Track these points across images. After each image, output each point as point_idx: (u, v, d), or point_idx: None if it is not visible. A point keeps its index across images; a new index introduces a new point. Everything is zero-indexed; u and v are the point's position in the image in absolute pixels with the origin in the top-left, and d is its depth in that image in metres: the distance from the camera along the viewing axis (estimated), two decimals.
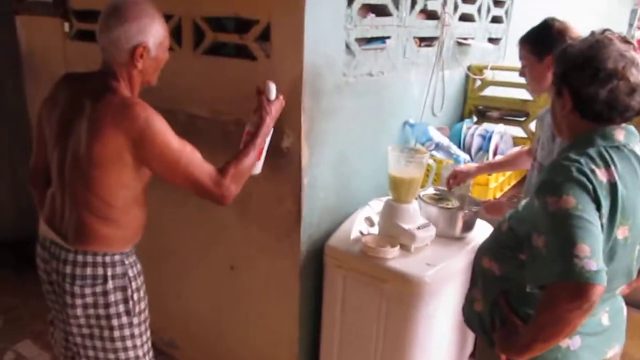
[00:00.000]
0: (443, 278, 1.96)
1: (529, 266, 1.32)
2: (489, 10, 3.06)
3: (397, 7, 2.31)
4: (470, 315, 1.60)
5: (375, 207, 2.23)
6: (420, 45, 2.58)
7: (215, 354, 2.59)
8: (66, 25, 2.72)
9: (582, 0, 4.11)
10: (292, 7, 1.86)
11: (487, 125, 2.95)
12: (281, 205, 2.08)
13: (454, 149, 2.61)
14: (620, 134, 1.33)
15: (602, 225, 1.23)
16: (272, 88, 1.83)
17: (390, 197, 2.08)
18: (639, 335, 2.25)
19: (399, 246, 1.99)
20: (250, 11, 1.98)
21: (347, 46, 2.09)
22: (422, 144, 2.51)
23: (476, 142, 2.82)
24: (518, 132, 2.99)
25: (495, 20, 3.17)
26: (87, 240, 1.65)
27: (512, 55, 2.82)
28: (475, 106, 3.08)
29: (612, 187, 1.26)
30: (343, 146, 2.16)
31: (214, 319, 2.52)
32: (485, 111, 3.07)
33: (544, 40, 1.91)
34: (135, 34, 1.58)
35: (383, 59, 2.30)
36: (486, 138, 2.82)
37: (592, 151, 1.29)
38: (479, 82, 3.05)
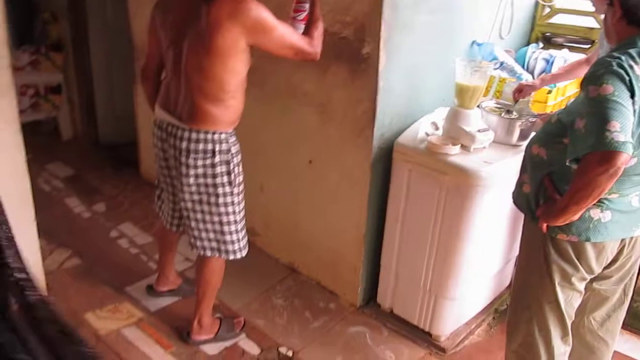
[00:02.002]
0: (497, 175, 2.23)
1: (569, 146, 1.59)
2: None
3: None
4: (519, 196, 1.88)
5: (440, 114, 2.50)
6: None
7: (290, 241, 2.98)
8: None
9: None
10: None
11: (552, 51, 3.11)
12: (358, 107, 2.38)
13: (518, 68, 2.82)
14: None
15: (635, 111, 1.48)
16: None
17: (455, 104, 2.35)
18: None
19: (460, 146, 2.27)
20: None
21: None
22: None
23: (539, 65, 3.00)
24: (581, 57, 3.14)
25: None
26: (199, 120, 2.02)
27: None
28: (542, 33, 3.24)
29: None
30: (415, 58, 2.42)
31: (292, 208, 2.89)
32: (551, 37, 3.23)
33: None
34: None
35: None
36: (549, 62, 2.99)
37: (633, 51, 1.53)
38: (547, 10, 3.19)
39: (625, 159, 1.42)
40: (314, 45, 2.05)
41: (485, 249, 2.45)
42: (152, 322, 2.61)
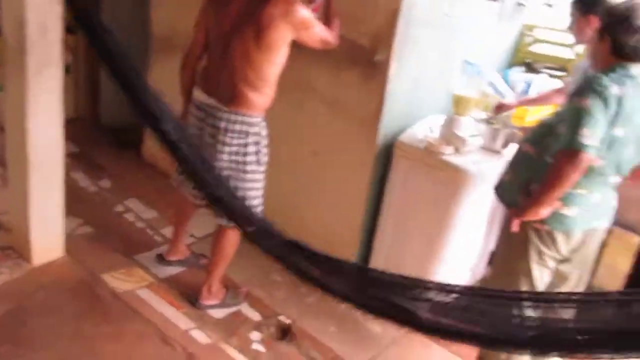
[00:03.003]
0: (484, 174, 2.60)
1: (552, 144, 1.97)
2: None
3: None
4: (503, 189, 2.25)
5: (436, 120, 2.86)
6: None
7: (290, 226, 3.21)
8: None
9: None
10: None
11: (532, 75, 3.52)
12: (366, 106, 2.72)
13: (503, 88, 3.20)
14: (635, 69, 1.99)
15: (607, 121, 1.89)
16: None
17: (451, 112, 2.71)
18: (628, 250, 2.91)
19: (453, 147, 2.62)
20: None
21: None
22: None
23: (520, 87, 3.40)
24: (556, 83, 3.55)
25: None
26: (239, 103, 2.32)
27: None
28: (524, 59, 3.64)
29: (620, 99, 1.92)
30: (419, 68, 2.78)
31: (295, 195, 3.18)
32: (531, 63, 3.64)
33: (588, 2, 2.50)
34: None
35: (457, 4, 2.88)
36: (529, 84, 3.39)
37: (613, 74, 1.95)
38: (529, 38, 3.60)
39: (587, 157, 1.87)
40: (334, 37, 2.47)
41: (467, 240, 2.80)
42: (163, 287, 2.87)
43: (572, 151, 1.87)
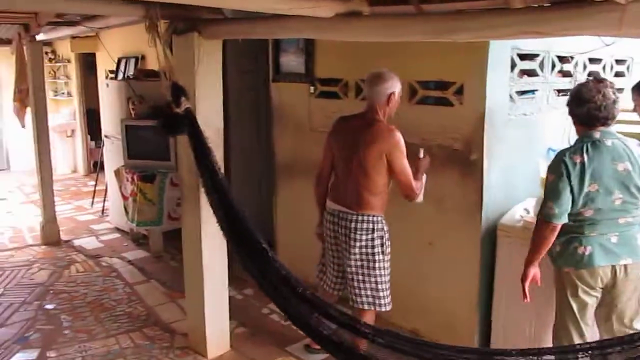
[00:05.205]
0: None
1: None
2: (612, 67, 4.08)
3: (542, 70, 3.45)
4: None
5: (529, 202, 3.32)
6: (558, 95, 3.68)
7: (413, 310, 3.73)
8: (311, 88, 4.13)
9: None
10: (478, 73, 3.09)
11: None
12: (467, 199, 3.24)
13: None
14: (597, 133, 2.49)
15: (572, 187, 2.41)
16: (422, 151, 3.09)
17: (541, 193, 3.17)
18: None
19: None
20: (450, 76, 3.23)
21: (510, 96, 3.26)
22: None
23: None
24: None
25: (619, 74, 4.17)
26: (364, 207, 2.93)
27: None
28: None
29: (582, 164, 2.41)
30: (508, 161, 3.30)
31: (415, 283, 3.67)
32: None
33: None
34: (389, 87, 2.91)
35: (533, 104, 3.44)
36: None
37: (577, 145, 2.49)
38: None
39: (555, 225, 2.44)
40: (418, 189, 3.00)
41: None
42: None
43: (542, 221, 2.47)
